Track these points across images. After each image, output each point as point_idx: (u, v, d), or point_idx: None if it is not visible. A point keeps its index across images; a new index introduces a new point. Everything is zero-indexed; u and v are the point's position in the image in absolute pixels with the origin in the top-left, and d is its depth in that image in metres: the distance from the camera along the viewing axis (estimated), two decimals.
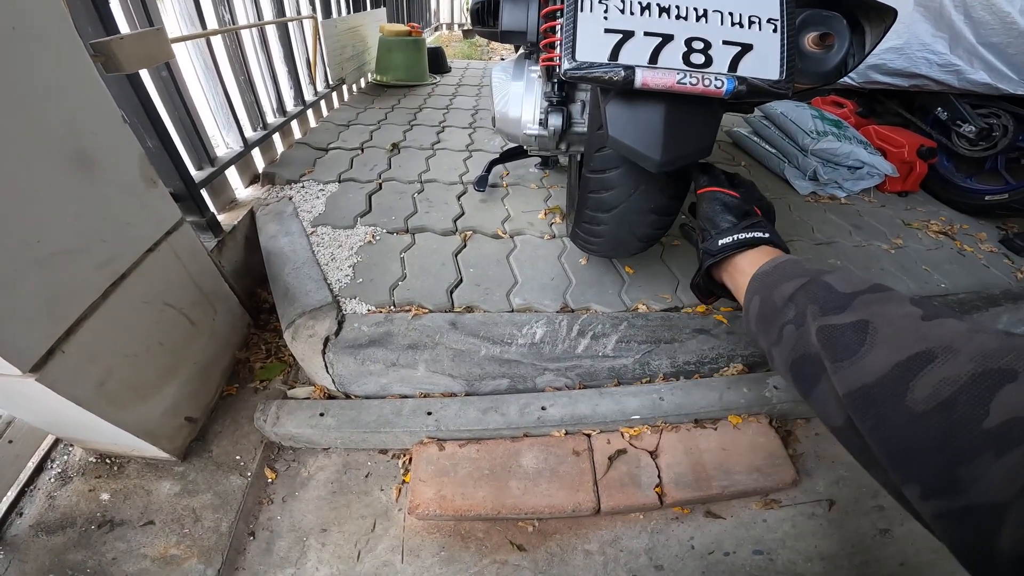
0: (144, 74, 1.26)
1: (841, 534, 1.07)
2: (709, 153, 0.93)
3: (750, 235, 0.82)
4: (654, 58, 0.80)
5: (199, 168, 1.54)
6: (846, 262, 1.66)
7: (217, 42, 1.72)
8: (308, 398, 1.21)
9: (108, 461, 1.08)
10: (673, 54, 0.80)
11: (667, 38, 0.80)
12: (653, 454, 1.14)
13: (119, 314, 0.90)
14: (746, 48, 0.81)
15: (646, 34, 0.80)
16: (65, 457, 1.09)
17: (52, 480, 1.05)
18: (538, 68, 1.28)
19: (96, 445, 1.08)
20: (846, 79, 2.51)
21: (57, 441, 1.11)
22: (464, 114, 2.85)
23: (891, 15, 0.89)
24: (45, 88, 0.76)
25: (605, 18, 0.81)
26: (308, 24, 2.50)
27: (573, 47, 0.81)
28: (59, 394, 0.80)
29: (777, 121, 2.41)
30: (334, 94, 2.90)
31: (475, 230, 1.64)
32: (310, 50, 2.53)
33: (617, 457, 1.13)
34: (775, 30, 0.81)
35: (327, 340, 1.17)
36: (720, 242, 0.85)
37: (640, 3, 0.81)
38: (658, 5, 0.81)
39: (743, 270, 0.81)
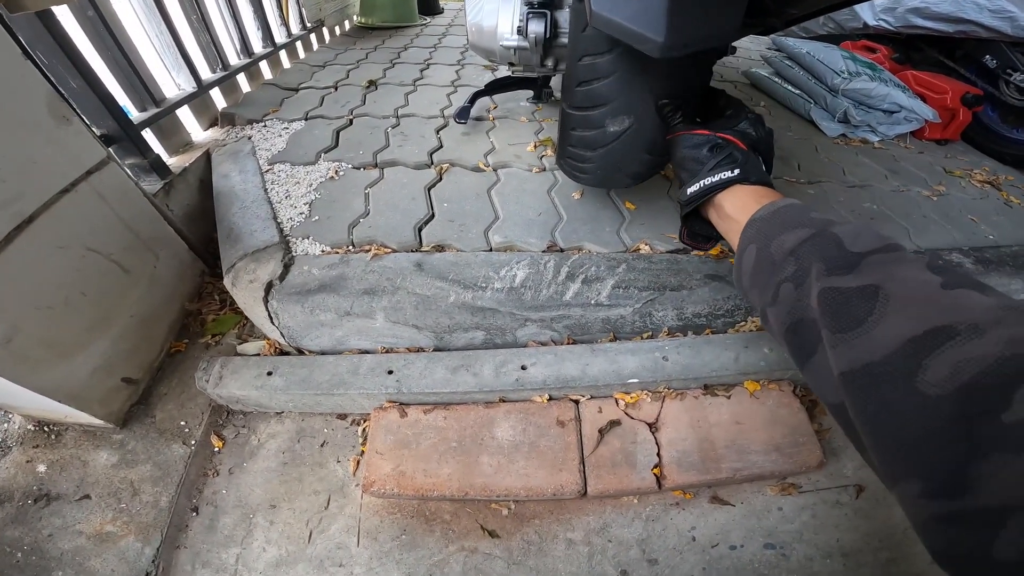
0: (66, 13, 1.18)
1: (867, 526, 0.93)
2: (732, 39, 0.75)
3: (716, 177, 0.74)
4: None
5: (142, 109, 1.44)
6: (883, 207, 1.49)
7: None
8: (258, 354, 1.09)
9: (46, 429, 1.01)
10: None
11: None
12: (653, 427, 0.98)
13: (27, 261, 0.82)
14: None
15: None
16: (5, 426, 1.02)
17: None
18: None
19: (27, 411, 1.01)
20: (881, 22, 2.41)
21: None
22: (453, 52, 2.67)
23: None
24: None
25: None
26: None
27: None
28: None
29: (803, 61, 2.26)
30: (312, 36, 2.74)
31: (453, 163, 1.47)
32: None
33: (609, 430, 0.98)
34: None
35: (270, 285, 1.03)
36: (688, 190, 0.78)
37: None
38: None
39: (727, 213, 0.73)
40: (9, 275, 0.78)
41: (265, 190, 1.29)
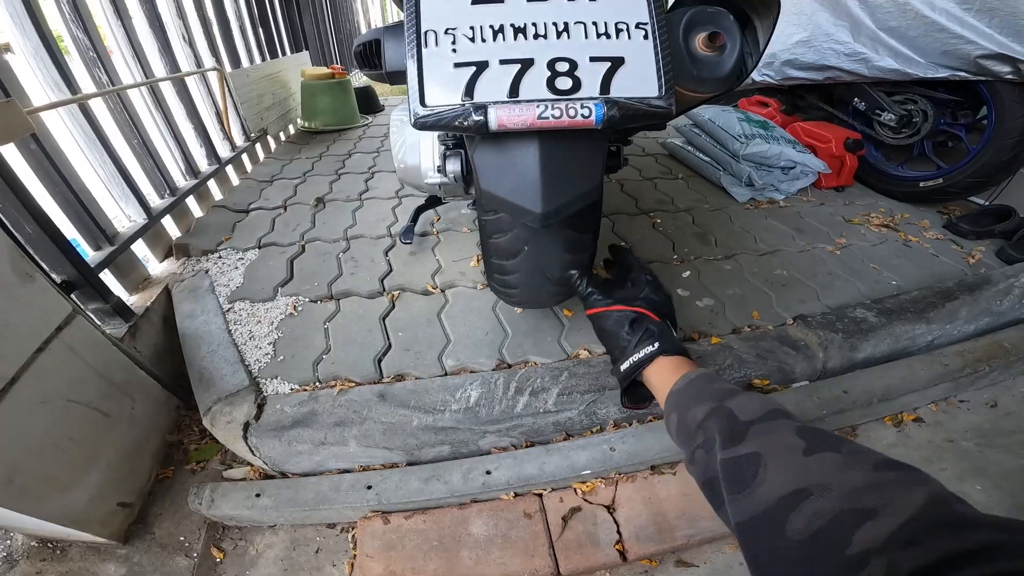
0: (13, 152, 1.18)
1: None
2: (598, 195, 0.85)
3: (642, 353, 0.89)
4: (515, 89, 0.71)
5: (97, 248, 1.45)
6: (792, 271, 1.64)
7: (99, 106, 1.60)
8: (244, 479, 1.16)
9: (50, 545, 1.05)
10: (536, 81, 0.71)
11: (527, 63, 0.71)
12: (610, 508, 1.09)
13: (16, 416, 0.88)
14: (617, 62, 0.72)
15: (502, 62, 0.71)
16: (8, 542, 1.05)
17: None
18: None
19: (31, 532, 1.05)
20: (765, 77, 2.54)
21: None
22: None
23: (776, 5, 0.83)
24: None
25: (454, 50, 0.72)
26: (213, 77, 2.39)
27: (422, 91, 0.71)
28: None
29: (706, 128, 2.39)
30: (258, 146, 2.79)
31: (404, 288, 1.56)
32: (219, 104, 2.42)
33: (571, 516, 1.07)
34: (646, 36, 0.72)
35: (247, 425, 1.10)
36: (622, 367, 0.92)
37: (492, 27, 0.72)
38: (512, 26, 0.72)
39: (653, 383, 0.89)
40: (3, 429, 0.84)
41: (229, 332, 1.35)
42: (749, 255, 1.73)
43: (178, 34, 2.21)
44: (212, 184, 2.23)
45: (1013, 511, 1.05)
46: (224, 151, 2.43)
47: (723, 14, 0.79)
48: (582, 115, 0.69)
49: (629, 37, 0.72)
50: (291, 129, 3.35)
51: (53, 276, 1.20)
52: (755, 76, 2.60)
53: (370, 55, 0.91)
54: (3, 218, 1.10)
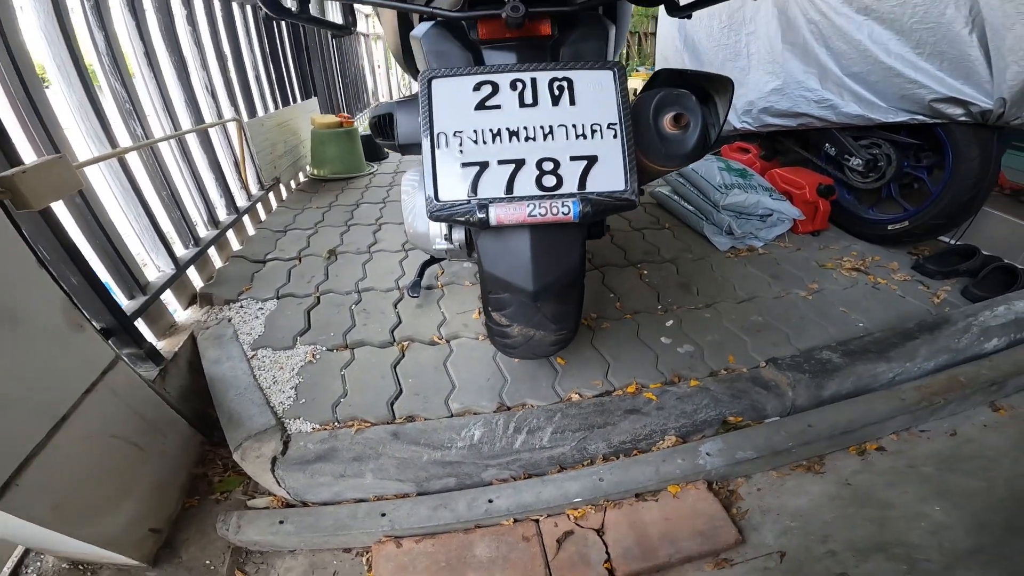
0: (58, 205, 1.24)
1: None
2: (578, 274, 0.99)
3: None
4: (510, 186, 0.86)
5: (131, 298, 1.55)
6: (767, 317, 1.75)
7: (133, 159, 1.70)
8: (267, 507, 1.26)
9: (80, 567, 1.12)
10: (527, 179, 0.86)
11: (519, 163, 0.86)
12: (599, 532, 1.18)
13: (66, 450, 0.96)
14: (592, 160, 0.87)
15: (500, 162, 0.86)
16: (38, 564, 1.12)
17: None
18: None
19: (66, 554, 1.12)
20: (745, 124, 2.66)
21: (27, 551, 1.15)
22: (400, 208, 2.80)
23: (730, 84, 0.98)
24: None
25: (461, 151, 0.87)
26: (232, 127, 2.50)
27: (436, 187, 0.86)
28: (20, 517, 0.87)
29: (690, 178, 2.48)
30: (271, 194, 2.89)
31: (412, 339, 1.69)
32: (238, 153, 2.51)
33: (565, 539, 1.17)
34: (615, 135, 0.87)
35: (275, 459, 1.23)
36: None
37: (491, 130, 0.87)
38: (507, 130, 0.87)
39: None
40: (54, 461, 0.93)
41: (254, 376, 1.48)
42: (728, 303, 1.85)
43: (201, 84, 2.32)
44: (230, 233, 2.33)
45: (973, 530, 1.13)
46: (241, 200, 2.53)
47: (686, 96, 0.95)
48: (563, 212, 0.85)
49: (602, 137, 0.88)
50: (301, 176, 3.48)
51: (94, 324, 1.29)
52: (736, 124, 2.73)
53: (384, 126, 1.06)
54: (53, 271, 1.18)
